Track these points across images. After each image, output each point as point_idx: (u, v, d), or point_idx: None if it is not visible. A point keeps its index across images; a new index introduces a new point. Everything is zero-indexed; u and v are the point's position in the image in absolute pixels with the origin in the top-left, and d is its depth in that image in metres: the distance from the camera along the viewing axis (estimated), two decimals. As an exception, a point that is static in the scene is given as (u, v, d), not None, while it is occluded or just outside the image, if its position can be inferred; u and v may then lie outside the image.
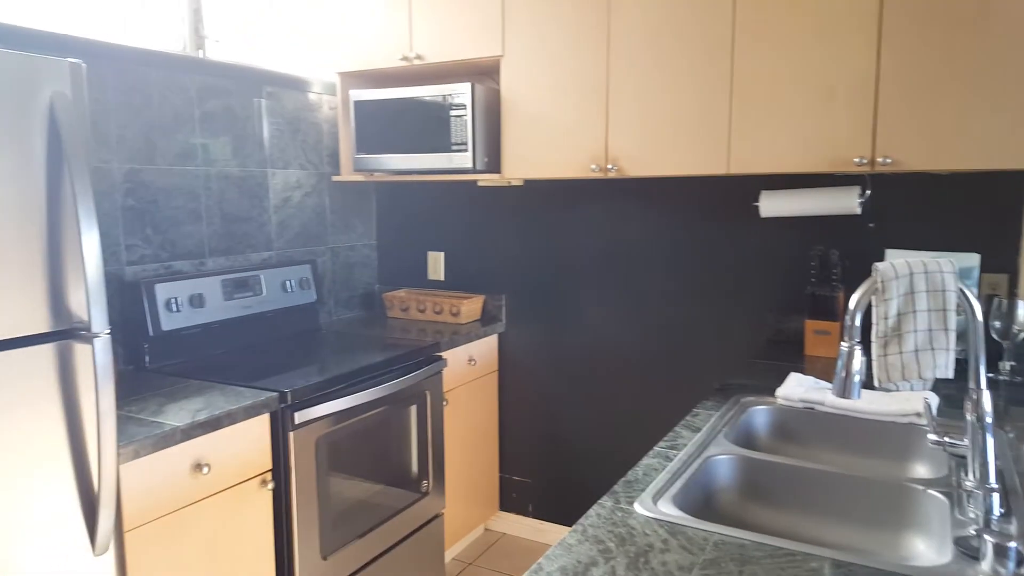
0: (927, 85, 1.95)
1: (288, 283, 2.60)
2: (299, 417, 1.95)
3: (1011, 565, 1.00)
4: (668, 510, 1.20)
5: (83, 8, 2.19)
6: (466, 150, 2.55)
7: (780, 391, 1.81)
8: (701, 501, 1.38)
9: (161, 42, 2.41)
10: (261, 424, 1.90)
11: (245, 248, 2.58)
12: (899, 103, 1.99)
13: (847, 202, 2.22)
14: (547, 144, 2.50)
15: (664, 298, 2.70)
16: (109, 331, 1.42)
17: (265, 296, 2.51)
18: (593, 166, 2.42)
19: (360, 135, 2.76)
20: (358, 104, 2.74)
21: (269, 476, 1.93)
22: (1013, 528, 1.15)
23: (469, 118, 2.53)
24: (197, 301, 2.29)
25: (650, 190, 2.68)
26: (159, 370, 2.16)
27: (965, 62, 1.90)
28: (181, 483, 1.69)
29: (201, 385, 1.99)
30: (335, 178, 2.92)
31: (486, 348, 2.92)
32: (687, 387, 2.70)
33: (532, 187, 2.90)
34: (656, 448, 1.47)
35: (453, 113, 2.56)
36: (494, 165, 2.64)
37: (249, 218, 2.59)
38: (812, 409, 1.74)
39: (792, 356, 2.29)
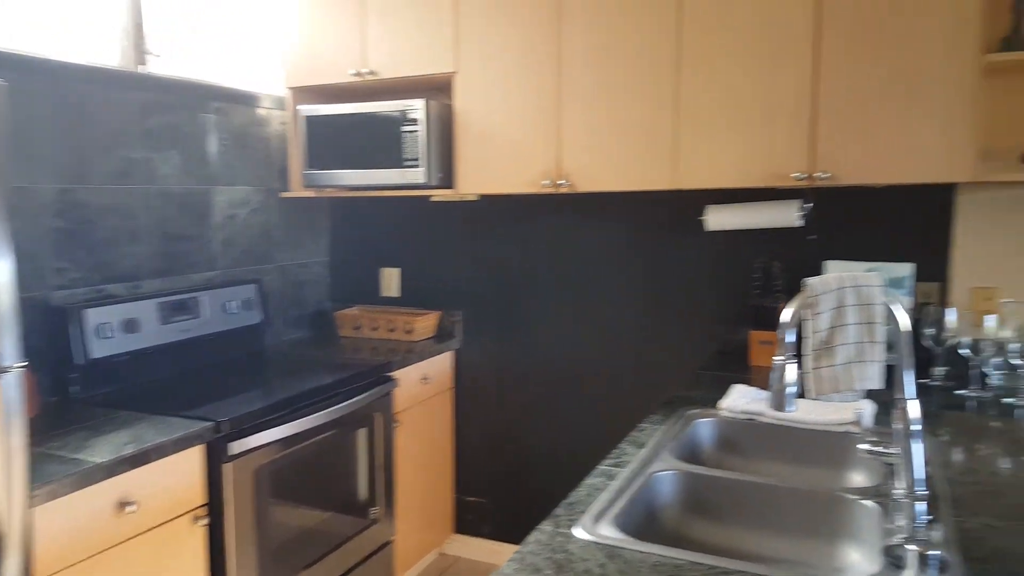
0: (862, 102, 2.01)
1: (231, 304, 2.55)
2: (236, 447, 1.89)
3: (933, 573, 1.02)
4: (609, 532, 1.20)
5: (17, 22, 2.13)
6: (419, 166, 2.55)
7: (723, 403, 1.84)
8: (644, 520, 1.39)
9: (100, 57, 2.36)
10: (193, 456, 1.82)
11: (185, 269, 2.52)
12: (836, 120, 2.04)
13: (788, 215, 2.27)
14: (500, 160, 2.51)
15: (619, 312, 2.72)
16: (24, 364, 1.36)
17: (205, 318, 2.46)
18: (545, 181, 2.44)
19: (311, 151, 2.73)
20: (309, 119, 2.71)
21: (203, 511, 1.85)
22: (938, 535, 1.18)
23: (423, 134, 2.53)
24: (131, 326, 2.21)
25: (603, 205, 2.71)
26: (87, 400, 2.07)
27: (897, 80, 1.97)
28: (103, 523, 1.60)
29: (131, 416, 1.90)
30: (284, 194, 2.89)
31: (441, 366, 2.90)
32: (642, 400, 2.72)
33: (487, 202, 2.90)
34: (600, 467, 1.48)
35: (406, 129, 2.55)
36: (448, 180, 2.64)
37: (191, 237, 2.54)
38: (754, 420, 1.77)
39: (738, 367, 2.33)
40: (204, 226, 2.59)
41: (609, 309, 2.73)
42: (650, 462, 1.50)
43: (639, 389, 2.72)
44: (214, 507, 1.88)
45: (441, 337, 2.97)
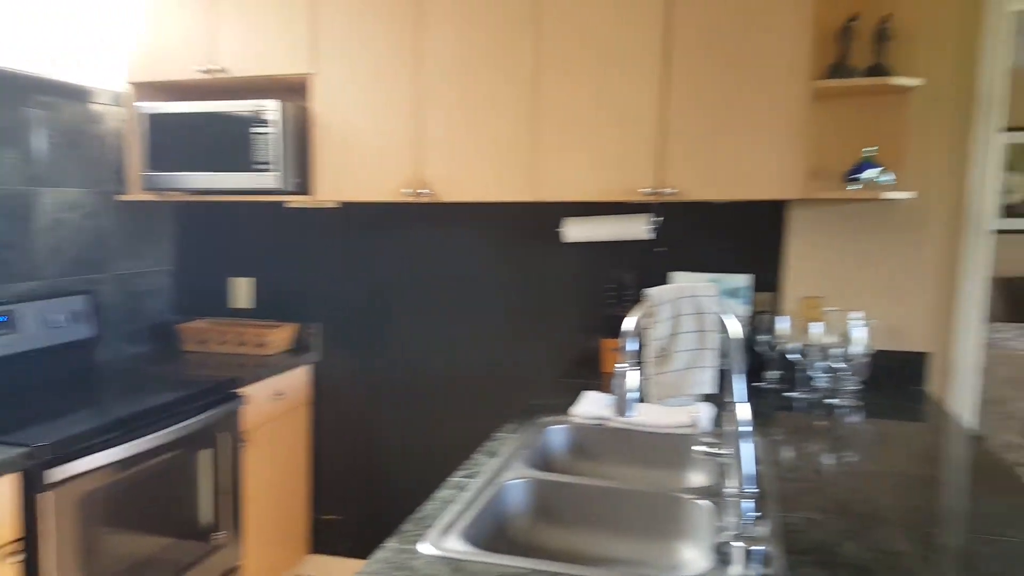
0: (706, 124, 2.13)
1: (57, 317, 2.32)
2: (56, 474, 1.71)
3: (758, 567, 1.08)
4: (456, 545, 1.18)
5: None
6: (273, 170, 2.44)
7: (575, 409, 1.88)
8: (494, 530, 1.39)
9: None
10: (4, 487, 1.63)
11: (4, 278, 2.27)
12: (682, 139, 2.15)
13: (638, 228, 2.37)
14: (361, 166, 2.45)
15: (482, 322, 2.73)
16: None
17: (26, 333, 2.22)
18: (407, 190, 2.40)
19: (153, 151, 2.55)
20: (152, 117, 2.53)
21: (18, 547, 1.67)
22: (764, 531, 1.25)
23: (277, 136, 2.42)
24: (-64, 342, 1.96)
25: (467, 214, 2.71)
26: None
27: (737, 104, 2.10)
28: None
29: (-68, 444, 1.69)
30: (121, 197, 2.68)
31: (297, 380, 2.79)
32: (504, 409, 2.74)
33: (349, 209, 2.83)
34: (452, 478, 1.46)
35: (259, 130, 2.44)
36: (305, 187, 2.55)
37: (9, 244, 2.30)
38: (602, 425, 1.82)
39: (592, 374, 2.39)
40: (26, 231, 2.35)
41: (472, 320, 2.74)
42: (502, 471, 1.50)
43: (501, 398, 2.73)
44: (31, 541, 1.70)
45: (297, 351, 2.86)
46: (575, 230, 2.43)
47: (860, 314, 2.34)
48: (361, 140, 2.44)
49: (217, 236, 2.98)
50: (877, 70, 2.16)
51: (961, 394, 2.32)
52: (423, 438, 2.83)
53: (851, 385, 2.15)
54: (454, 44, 2.32)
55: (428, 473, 2.84)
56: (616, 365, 1.32)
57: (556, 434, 1.82)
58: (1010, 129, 5.57)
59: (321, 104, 2.47)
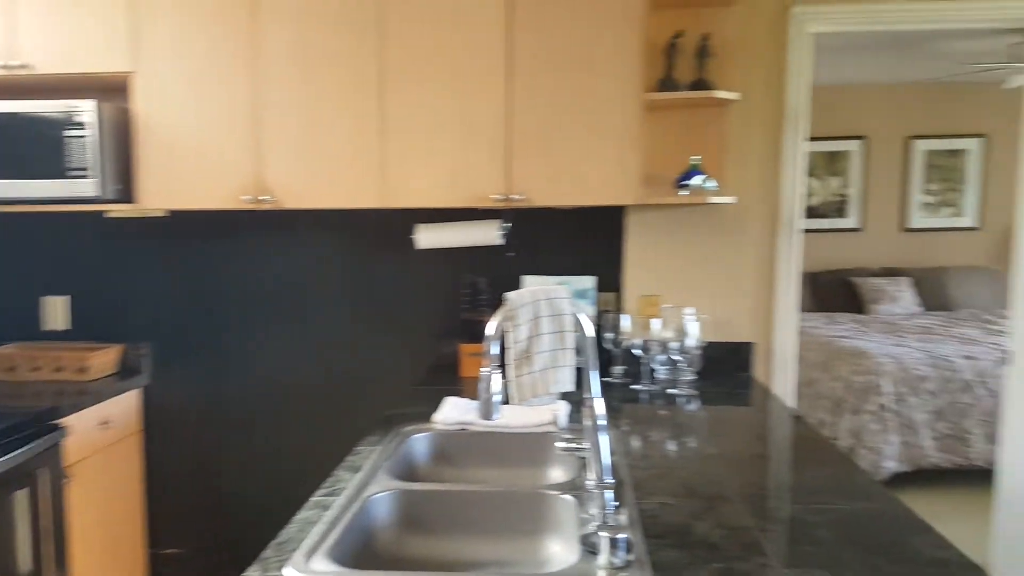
0: (550, 133, 2.20)
1: None
2: None
3: (622, 554, 1.14)
4: (322, 567, 1.14)
5: None
6: (90, 176, 2.23)
7: (437, 416, 1.87)
8: (362, 547, 1.35)
9: None
10: None
11: None
12: (528, 147, 2.21)
13: (489, 234, 2.41)
14: (192, 172, 2.30)
15: (334, 332, 2.64)
16: None
17: None
18: (246, 196, 2.28)
19: (-60, 158, 2.24)
20: (-63, 120, 2.22)
21: None
22: (624, 519, 1.32)
23: (93, 140, 2.21)
24: None
25: (315, 221, 2.61)
26: None
27: (578, 114, 2.19)
28: None
29: None
30: (-99, 211, 2.33)
31: (125, 407, 2.55)
32: (362, 421, 2.67)
33: (180, 218, 2.63)
34: (313, 498, 1.41)
35: (72, 133, 2.21)
36: (128, 194, 2.34)
37: None
38: (466, 430, 1.83)
39: (451, 380, 2.40)
40: None
41: (323, 331, 2.65)
42: (366, 485, 1.47)
43: (359, 410, 2.67)
44: None
45: (125, 374, 2.62)
46: (427, 236, 2.43)
47: (693, 310, 2.52)
48: (192, 144, 2.29)
49: (26, 250, 2.67)
50: (700, 84, 2.34)
51: (781, 378, 2.57)
52: (276, 459, 2.69)
53: (688, 375, 2.32)
54: (294, 46, 2.24)
55: (285, 495, 2.71)
56: (480, 369, 1.33)
57: (419, 443, 1.80)
58: (812, 139, 6.26)
59: (145, 105, 2.29)
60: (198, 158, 2.29)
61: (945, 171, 6.23)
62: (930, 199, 6.25)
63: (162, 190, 2.31)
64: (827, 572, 1.13)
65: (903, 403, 4.03)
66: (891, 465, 3.99)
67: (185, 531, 2.73)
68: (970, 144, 6.20)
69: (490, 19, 2.18)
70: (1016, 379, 2.63)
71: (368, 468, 1.57)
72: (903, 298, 5.78)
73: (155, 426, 2.70)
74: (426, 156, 2.24)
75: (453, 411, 1.90)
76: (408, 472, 1.74)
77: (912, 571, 1.13)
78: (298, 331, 2.65)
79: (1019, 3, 2.42)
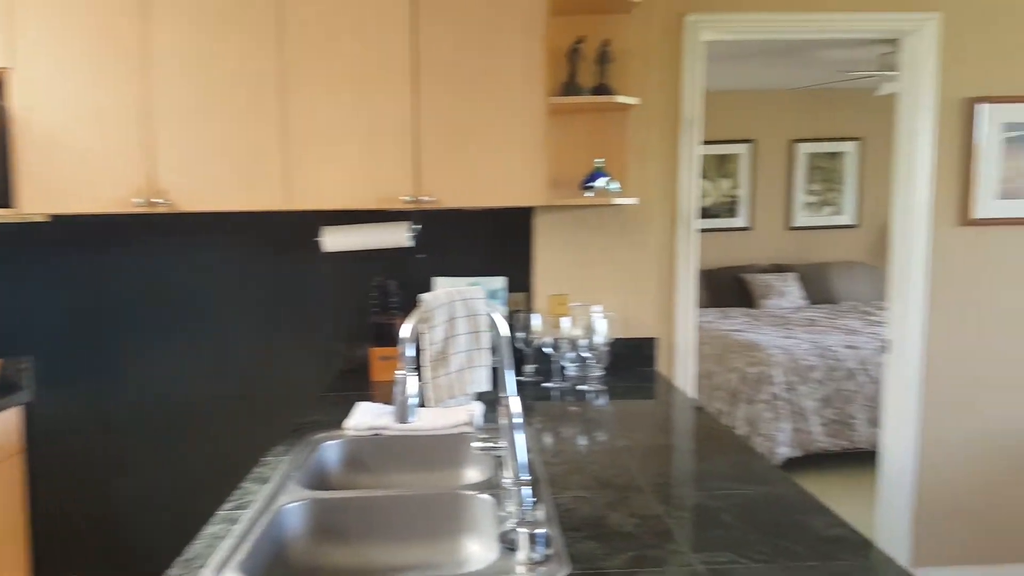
0: (457, 134, 2.21)
1: None
2: None
3: (540, 548, 1.16)
4: (234, 579, 1.10)
5: None
6: (-42, 180, 2.05)
7: (348, 422, 1.84)
8: (274, 559, 1.31)
9: None
10: None
11: None
12: (435, 148, 2.21)
13: (399, 236, 2.39)
14: (78, 174, 2.16)
15: (237, 340, 2.54)
16: None
17: None
18: (138, 199, 2.16)
19: None
20: None
21: None
22: (542, 514, 1.34)
23: (-39, 140, 2.04)
24: None
25: (214, 225, 2.51)
26: None
27: (484, 116, 2.20)
28: None
29: None
30: None
31: (4, 426, 2.37)
32: (267, 432, 2.58)
33: (64, 223, 2.46)
34: (220, 512, 1.35)
35: (-65, 133, 2.03)
36: (5, 198, 2.17)
37: None
38: (379, 435, 1.81)
39: (362, 385, 2.36)
40: None
41: (226, 338, 2.54)
42: (276, 496, 1.43)
43: (265, 420, 2.58)
44: None
45: (4, 391, 2.43)
46: (334, 239, 2.38)
47: (600, 307, 2.59)
48: (76, 144, 2.15)
49: None
50: (601, 89, 2.41)
51: (683, 372, 2.68)
52: (178, 476, 2.57)
53: (596, 372, 2.37)
54: (189, 44, 2.14)
55: (188, 512, 2.58)
56: (396, 372, 1.32)
57: (331, 450, 1.76)
58: (705, 142, 6.55)
59: (22, 103, 2.14)
60: (83, 159, 2.16)
61: (825, 172, 6.66)
62: (812, 199, 6.66)
63: (43, 193, 2.16)
64: (732, 554, 1.19)
65: (793, 392, 4.28)
66: (784, 451, 4.22)
67: (80, 556, 2.55)
68: (847, 147, 6.65)
69: (394, 21, 2.16)
70: (894, 366, 2.85)
71: (277, 478, 1.53)
72: (790, 292, 6.14)
73: (39, 446, 2.52)
74: (332, 157, 2.19)
75: (365, 416, 1.87)
76: (320, 481, 1.70)
77: (810, 548, 1.20)
78: (199, 341, 2.54)
79: (886, 16, 2.62)
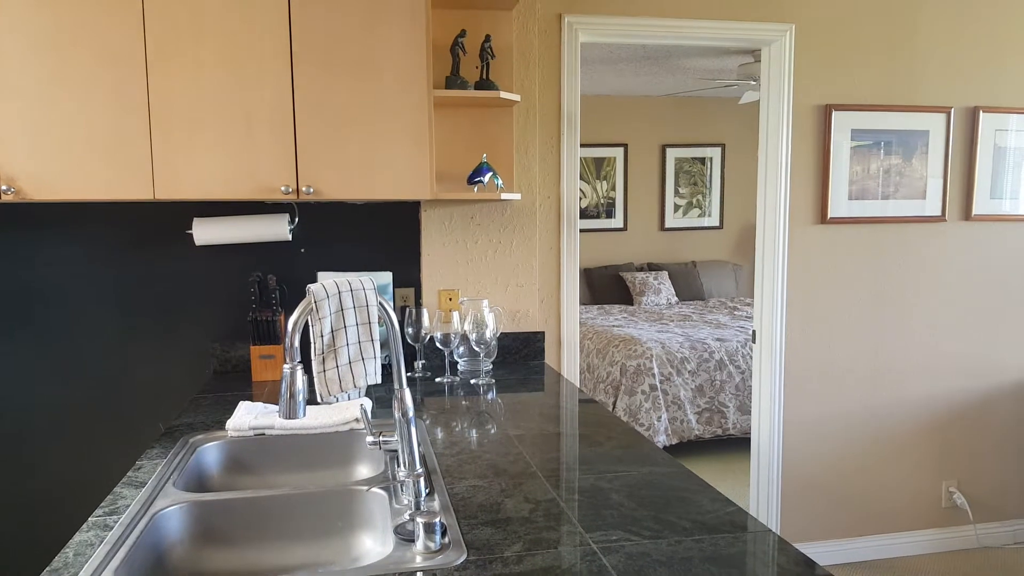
0: (337, 124, 2.15)
1: None
2: None
3: (437, 538, 1.15)
4: (108, 588, 1.02)
5: None
6: None
7: (230, 423, 1.75)
8: (152, 565, 1.23)
9: None
10: None
11: None
12: (314, 137, 2.14)
13: (278, 229, 2.30)
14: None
15: (99, 342, 2.35)
16: None
17: None
18: (-23, 189, 1.95)
19: None
20: None
21: None
22: (436, 504, 1.33)
23: None
24: None
25: (70, 216, 2.30)
26: None
27: (366, 107, 2.16)
28: None
29: None
30: None
31: None
32: (137, 438, 2.41)
33: None
34: (92, 518, 1.25)
35: None
36: None
37: None
38: (263, 435, 1.73)
39: (241, 385, 2.26)
40: None
41: (86, 341, 2.35)
42: (153, 500, 1.34)
43: (131, 426, 2.40)
44: None
45: None
46: (208, 231, 2.25)
47: (487, 302, 2.61)
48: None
49: None
50: (484, 84, 2.43)
51: (569, 365, 2.75)
52: (33, 491, 2.34)
53: (487, 366, 2.39)
54: (35, 19, 1.96)
55: (43, 531, 2.36)
56: (283, 366, 1.27)
57: (210, 452, 1.67)
58: (582, 145, 6.74)
59: None
60: (-87, 141, 1.93)
61: (693, 176, 7.04)
62: (681, 202, 7.02)
63: None
64: (623, 531, 1.23)
65: (669, 383, 4.50)
66: (662, 439, 4.42)
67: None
68: (712, 152, 7.06)
69: (268, 7, 2.07)
70: (760, 355, 3.05)
71: (153, 482, 1.43)
72: (664, 290, 6.44)
73: None
74: (204, 144, 2.07)
75: (247, 416, 1.79)
76: (199, 484, 1.61)
77: (695, 523, 1.27)
78: (52, 344, 2.33)
79: (747, 26, 2.81)
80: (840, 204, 2.99)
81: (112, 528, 1.21)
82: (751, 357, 4.58)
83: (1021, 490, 3.33)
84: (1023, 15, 3.06)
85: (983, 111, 3.05)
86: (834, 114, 2.93)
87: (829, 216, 2.97)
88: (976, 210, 3.11)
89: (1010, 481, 3.31)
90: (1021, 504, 3.34)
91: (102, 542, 1.16)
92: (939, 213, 3.08)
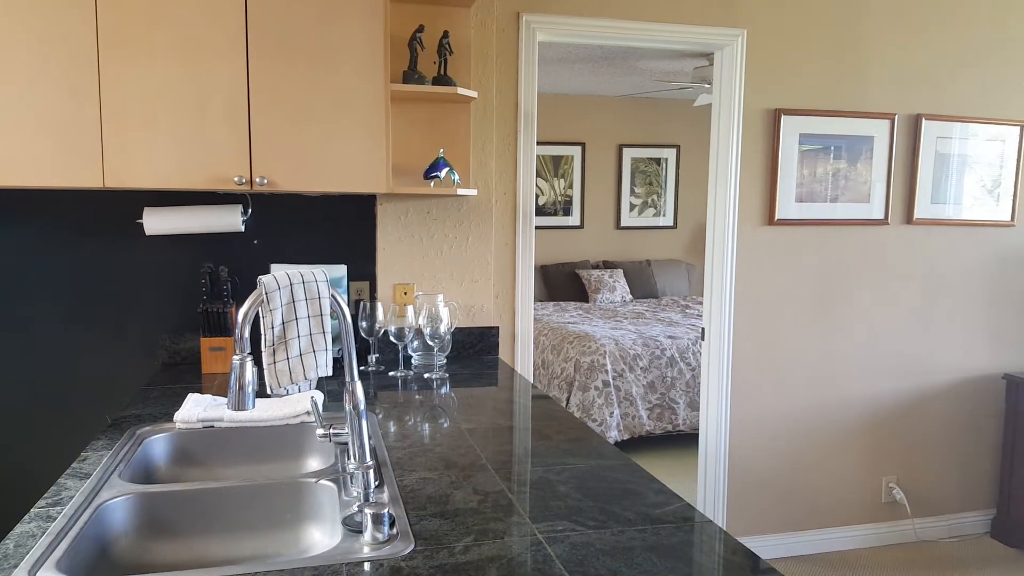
0: (292, 116, 2.13)
1: None
2: None
3: (385, 529, 1.16)
4: (49, 580, 1.01)
5: None
6: None
7: (178, 415, 1.73)
8: (97, 557, 1.21)
9: None
10: None
11: None
12: (269, 128, 2.12)
13: (231, 219, 2.28)
14: None
15: (43, 333, 2.29)
16: None
17: None
18: (-86, 174, 1.89)
19: None
20: None
21: None
22: (385, 496, 1.35)
23: None
24: None
25: (19, 205, 2.24)
26: None
27: (322, 98, 2.15)
28: None
29: None
30: None
31: None
32: (81, 429, 2.35)
33: None
34: (34, 510, 1.23)
35: None
36: None
37: None
38: (212, 427, 1.72)
39: (191, 377, 2.23)
40: None
41: (32, 330, 2.29)
42: (98, 492, 1.32)
43: (77, 418, 2.35)
44: None
45: None
46: (158, 221, 2.22)
47: (442, 296, 2.62)
48: None
49: None
50: (442, 80, 2.43)
51: (523, 360, 2.78)
52: (-39, 482, 2.28)
53: (441, 360, 2.40)
54: (-15, -4, 1.90)
55: (-29, 524, 2.30)
56: (233, 358, 1.27)
57: (158, 444, 1.65)
58: (540, 143, 6.78)
59: None
60: None
61: (648, 176, 7.14)
62: (636, 201, 7.11)
63: None
64: (569, 522, 1.26)
65: (622, 379, 4.57)
66: (614, 435, 4.49)
67: None
68: (667, 153, 7.18)
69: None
70: (709, 353, 3.13)
71: (98, 473, 1.41)
72: (618, 287, 6.52)
73: None
74: (152, 134, 2.03)
75: (196, 408, 1.77)
76: (146, 476, 1.59)
77: (639, 515, 1.30)
78: (4, 332, 2.27)
79: (701, 30, 2.88)
80: (788, 206, 3.08)
81: (55, 519, 1.20)
82: (701, 354, 4.68)
83: (957, 486, 3.48)
84: (966, 27, 3.19)
85: (926, 119, 3.18)
86: (783, 118, 3.02)
87: (777, 217, 3.06)
88: (918, 214, 3.23)
89: (947, 477, 3.46)
90: (957, 499, 3.49)
91: (44, 533, 1.14)
92: (882, 216, 3.20)
